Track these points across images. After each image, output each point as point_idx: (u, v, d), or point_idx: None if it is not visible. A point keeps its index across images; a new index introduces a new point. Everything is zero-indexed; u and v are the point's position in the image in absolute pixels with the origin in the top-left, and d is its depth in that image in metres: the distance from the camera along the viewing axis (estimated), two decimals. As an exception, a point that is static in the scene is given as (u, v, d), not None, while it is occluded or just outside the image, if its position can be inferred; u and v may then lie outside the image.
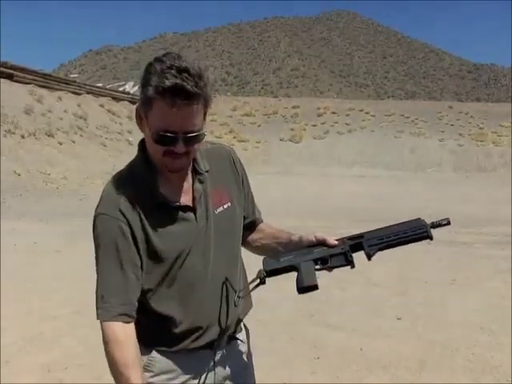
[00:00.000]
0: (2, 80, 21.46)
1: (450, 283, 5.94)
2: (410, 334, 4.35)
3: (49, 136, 19.65)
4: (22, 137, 18.25)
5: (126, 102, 31.01)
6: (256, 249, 1.65)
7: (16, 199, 12.83)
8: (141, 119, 1.34)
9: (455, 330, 4.43)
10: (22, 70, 24.35)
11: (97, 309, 1.33)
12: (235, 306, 1.47)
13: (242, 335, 1.59)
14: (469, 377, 3.56)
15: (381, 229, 1.50)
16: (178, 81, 1.22)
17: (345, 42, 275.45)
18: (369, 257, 1.48)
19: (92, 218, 1.38)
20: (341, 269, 1.49)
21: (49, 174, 16.33)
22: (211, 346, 1.46)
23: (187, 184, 1.42)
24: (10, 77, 22.56)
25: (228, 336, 1.50)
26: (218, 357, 1.48)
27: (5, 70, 22.70)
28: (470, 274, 6.39)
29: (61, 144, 19.67)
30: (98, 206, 1.38)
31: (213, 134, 28.56)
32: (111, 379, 1.35)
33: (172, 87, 1.22)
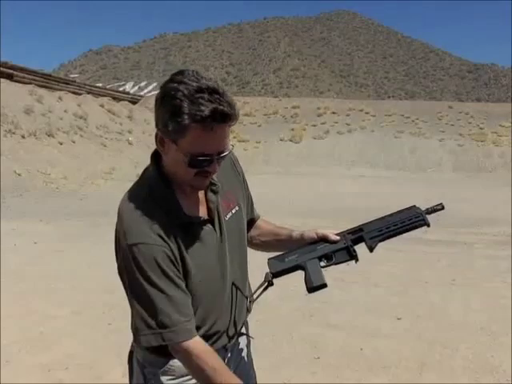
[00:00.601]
0: (2, 80, 21.46)
1: (450, 283, 5.94)
2: (410, 334, 4.35)
3: (49, 136, 19.65)
4: (22, 137, 18.25)
5: (126, 102, 31.01)
6: (255, 246, 1.66)
7: (16, 199, 12.83)
8: (163, 143, 1.30)
9: (455, 329, 4.43)
10: (22, 70, 24.35)
11: (160, 333, 1.30)
12: (248, 311, 1.51)
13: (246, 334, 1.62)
14: (469, 377, 3.56)
15: (378, 220, 1.50)
16: (215, 105, 1.20)
17: (345, 42, 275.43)
18: (371, 249, 1.49)
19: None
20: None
21: (49, 174, 16.33)
22: (225, 347, 1.49)
23: (201, 195, 1.42)
24: (10, 77, 22.56)
25: (237, 334, 1.53)
26: (228, 354, 1.51)
27: (5, 69, 22.70)
28: (470, 274, 6.38)
29: (61, 144, 19.67)
30: (127, 234, 1.30)
31: (213, 134, 28.53)
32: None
33: (211, 114, 1.19)
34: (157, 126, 1.29)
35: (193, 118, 1.20)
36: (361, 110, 33.26)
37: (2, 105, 19.03)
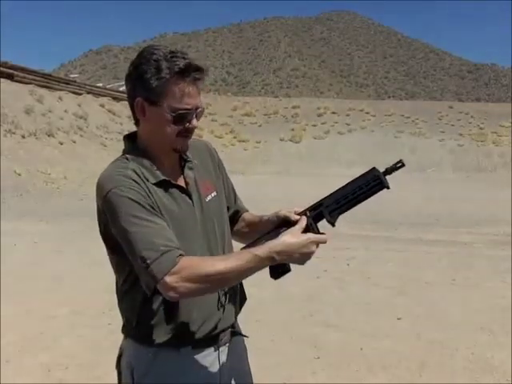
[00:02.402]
0: (2, 80, 21.45)
1: (450, 283, 5.94)
2: (409, 334, 4.35)
3: (49, 136, 19.65)
4: (22, 137, 18.24)
5: (127, 102, 30.89)
6: (240, 238, 1.68)
7: (16, 199, 12.83)
8: (144, 110, 1.38)
9: (455, 329, 4.43)
10: (22, 69, 24.34)
11: (154, 260, 1.27)
12: (240, 304, 1.52)
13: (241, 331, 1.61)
14: (469, 377, 3.56)
15: (337, 191, 1.44)
16: (188, 60, 1.35)
17: (345, 42, 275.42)
18: (332, 224, 1.43)
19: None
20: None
21: (49, 174, 16.33)
22: (214, 340, 1.47)
23: (177, 171, 1.47)
24: (10, 77, 22.55)
25: (230, 332, 1.52)
26: (222, 353, 1.49)
27: (5, 69, 22.70)
28: (470, 274, 6.39)
29: (61, 144, 19.67)
30: (102, 187, 1.35)
31: (213, 133, 28.57)
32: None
33: (187, 66, 1.34)
34: (134, 95, 1.39)
35: (171, 71, 1.33)
36: (361, 110, 33.26)
37: (2, 105, 19.03)
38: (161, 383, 1.43)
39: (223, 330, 1.49)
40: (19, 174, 15.22)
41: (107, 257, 1.49)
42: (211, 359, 1.47)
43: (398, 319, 4.70)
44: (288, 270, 1.42)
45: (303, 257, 1.33)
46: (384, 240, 8.38)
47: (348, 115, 32.57)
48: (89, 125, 23.21)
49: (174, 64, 1.33)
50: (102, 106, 26.95)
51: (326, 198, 1.44)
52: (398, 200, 14.66)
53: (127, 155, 1.42)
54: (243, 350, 1.63)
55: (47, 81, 25.36)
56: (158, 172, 1.40)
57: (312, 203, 1.47)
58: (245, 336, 1.60)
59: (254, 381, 1.65)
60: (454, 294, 5.52)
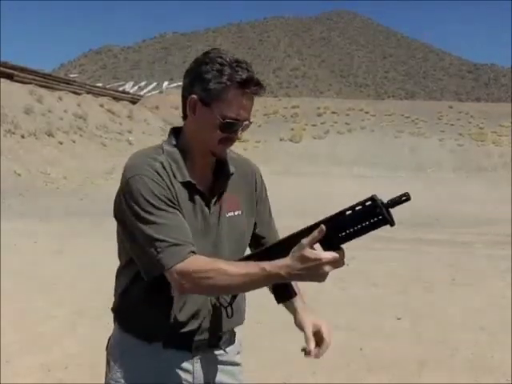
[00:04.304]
0: (2, 80, 21.45)
1: (450, 283, 5.94)
2: (410, 334, 4.35)
3: (49, 136, 19.65)
4: (22, 137, 18.25)
5: (126, 102, 31.01)
6: None
7: (16, 199, 12.82)
8: (195, 107, 1.38)
9: (455, 330, 4.43)
10: (22, 69, 24.34)
11: (165, 248, 1.28)
12: (228, 316, 1.45)
13: (232, 348, 1.55)
14: (469, 377, 3.55)
15: (336, 217, 1.25)
16: (251, 74, 1.35)
17: (345, 42, 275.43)
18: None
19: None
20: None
21: (49, 174, 16.33)
22: (188, 346, 1.45)
23: (208, 178, 1.46)
24: (10, 77, 22.54)
25: (210, 343, 1.48)
26: (197, 363, 1.47)
27: (5, 69, 22.70)
28: (470, 273, 6.39)
29: (61, 144, 19.67)
30: (127, 171, 1.36)
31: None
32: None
33: (249, 78, 1.34)
34: (190, 91, 1.38)
35: (233, 79, 1.33)
36: (361, 110, 33.26)
37: (2, 105, 19.03)
38: (130, 373, 1.45)
39: (200, 340, 1.45)
40: (19, 174, 15.22)
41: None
42: (185, 365, 1.46)
43: (398, 319, 4.70)
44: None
45: (315, 278, 1.25)
46: (384, 240, 8.37)
47: (348, 115, 32.57)
48: (88, 125, 23.21)
49: (236, 73, 1.34)
50: (102, 105, 26.95)
51: (325, 220, 1.25)
52: (397, 200, 14.64)
53: (164, 146, 1.43)
54: (234, 371, 1.56)
55: (47, 81, 25.37)
56: (186, 172, 1.40)
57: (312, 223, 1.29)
58: (224, 351, 1.52)
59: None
60: (453, 294, 5.52)
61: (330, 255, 1.21)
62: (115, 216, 1.41)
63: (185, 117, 1.43)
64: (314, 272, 1.22)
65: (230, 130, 1.37)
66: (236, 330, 1.57)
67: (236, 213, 1.49)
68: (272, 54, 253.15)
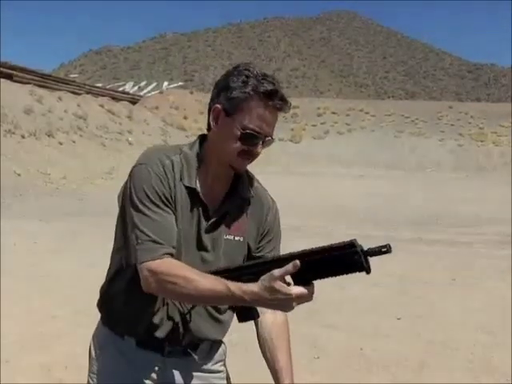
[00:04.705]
0: (2, 80, 21.45)
1: (449, 283, 5.94)
2: (410, 334, 4.35)
3: (49, 136, 19.65)
4: (22, 137, 18.25)
5: (126, 102, 31.02)
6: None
7: (16, 199, 12.82)
8: (218, 117, 1.38)
9: (455, 330, 4.43)
10: (22, 69, 24.36)
11: (136, 250, 1.31)
12: (188, 322, 1.44)
13: (211, 356, 1.53)
14: (469, 377, 3.55)
15: (311, 253, 1.22)
16: (277, 87, 1.34)
17: (345, 42, 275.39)
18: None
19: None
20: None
21: (49, 174, 16.33)
22: (159, 346, 1.44)
23: (218, 194, 1.44)
24: (9, 77, 22.55)
25: (184, 351, 1.46)
26: (169, 365, 1.46)
27: (5, 69, 22.71)
28: (470, 273, 6.39)
29: (61, 144, 19.67)
30: (140, 159, 1.39)
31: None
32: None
33: (273, 91, 1.33)
34: (215, 100, 1.39)
35: (256, 89, 1.33)
36: (361, 110, 33.28)
37: (2, 105, 19.03)
38: (104, 369, 1.46)
39: (173, 346, 1.44)
40: (19, 174, 15.22)
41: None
42: (154, 366, 1.45)
43: (398, 319, 4.70)
44: (253, 317, 1.39)
45: (280, 308, 1.28)
46: (384, 240, 8.36)
47: (348, 115, 32.59)
48: (88, 125, 23.21)
49: (261, 85, 1.33)
50: (102, 106, 26.96)
51: (301, 255, 1.23)
52: (397, 200, 14.66)
53: (184, 148, 1.44)
54: (212, 378, 1.53)
55: (47, 81, 25.39)
56: (194, 178, 1.39)
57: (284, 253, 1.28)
58: (196, 358, 1.47)
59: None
60: (453, 293, 5.52)
61: (300, 291, 1.22)
62: (118, 196, 1.44)
63: (209, 128, 1.43)
64: (281, 303, 1.23)
65: (251, 142, 1.36)
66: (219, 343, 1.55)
67: (236, 238, 1.46)
68: (272, 54, 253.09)
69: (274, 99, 1.34)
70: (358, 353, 3.94)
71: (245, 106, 1.34)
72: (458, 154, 27.29)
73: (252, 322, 1.44)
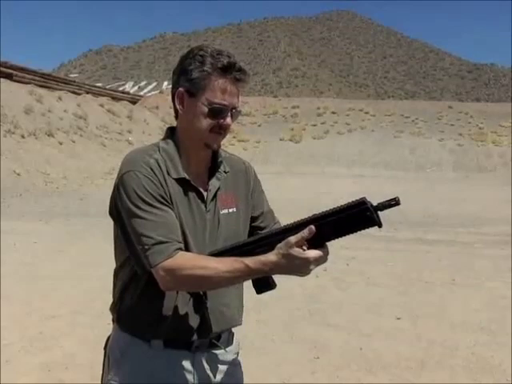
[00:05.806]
0: (2, 80, 21.45)
1: (450, 283, 5.94)
2: (410, 334, 4.35)
3: (49, 136, 19.65)
4: (22, 137, 18.24)
5: (126, 102, 31.01)
6: None
7: (16, 199, 12.82)
8: (183, 100, 1.42)
9: (455, 329, 4.43)
10: (22, 69, 24.36)
11: (151, 245, 1.31)
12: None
13: (231, 348, 1.56)
14: (469, 377, 3.56)
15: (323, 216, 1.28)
16: (233, 60, 1.40)
17: (345, 42, 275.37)
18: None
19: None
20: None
21: (49, 174, 16.33)
22: (188, 344, 1.45)
23: (204, 176, 1.48)
24: (9, 77, 22.55)
25: (210, 342, 1.48)
26: (198, 360, 1.47)
27: (5, 69, 22.71)
28: (470, 273, 6.39)
29: (61, 144, 19.67)
30: (123, 167, 1.40)
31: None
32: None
33: (230, 64, 1.39)
34: (177, 85, 1.43)
35: (214, 66, 1.38)
36: (361, 110, 33.26)
37: (2, 105, 19.03)
38: (131, 375, 1.45)
39: (200, 339, 1.45)
40: (19, 174, 15.22)
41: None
42: (185, 363, 1.45)
43: (398, 319, 4.70)
44: (271, 287, 1.40)
45: (299, 274, 1.29)
46: (384, 240, 8.37)
47: (348, 115, 32.57)
48: (88, 125, 23.21)
49: (217, 60, 1.38)
50: (102, 105, 26.95)
51: (314, 219, 1.28)
52: (397, 200, 14.64)
53: (160, 144, 1.46)
54: (233, 371, 1.56)
55: (47, 81, 25.39)
56: (180, 168, 1.42)
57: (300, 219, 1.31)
58: (223, 349, 1.52)
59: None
60: (454, 294, 5.52)
61: (317, 254, 1.26)
62: (110, 213, 1.42)
63: (176, 115, 1.46)
64: (299, 269, 1.26)
65: (219, 115, 1.40)
66: (234, 330, 1.58)
67: (230, 210, 1.50)
68: (272, 54, 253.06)
69: (232, 71, 1.39)
70: (358, 353, 3.94)
71: (206, 84, 1.38)
72: (458, 154, 27.28)
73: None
